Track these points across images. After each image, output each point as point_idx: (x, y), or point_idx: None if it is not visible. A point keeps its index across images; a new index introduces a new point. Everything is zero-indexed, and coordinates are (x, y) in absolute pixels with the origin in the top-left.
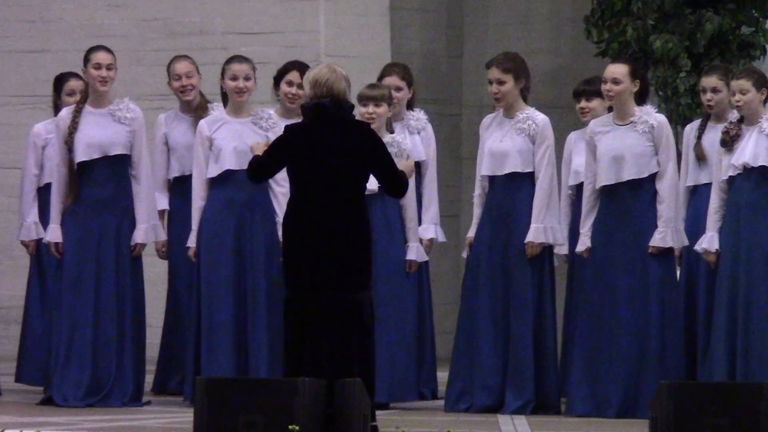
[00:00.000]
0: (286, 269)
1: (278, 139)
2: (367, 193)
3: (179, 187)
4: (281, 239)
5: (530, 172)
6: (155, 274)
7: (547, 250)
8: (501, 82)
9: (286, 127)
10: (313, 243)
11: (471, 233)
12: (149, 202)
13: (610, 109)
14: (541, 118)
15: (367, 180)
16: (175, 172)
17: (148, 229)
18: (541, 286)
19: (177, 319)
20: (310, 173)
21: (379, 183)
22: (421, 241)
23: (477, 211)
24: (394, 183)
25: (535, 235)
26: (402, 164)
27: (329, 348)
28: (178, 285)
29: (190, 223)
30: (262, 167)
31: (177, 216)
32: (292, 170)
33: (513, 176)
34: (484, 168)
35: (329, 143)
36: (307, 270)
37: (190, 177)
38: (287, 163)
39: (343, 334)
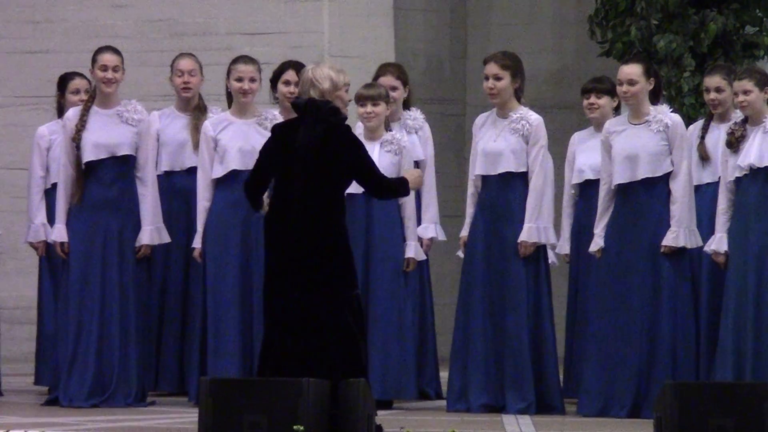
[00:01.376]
0: (266, 267)
1: (263, 146)
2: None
3: (166, 182)
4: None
5: (524, 172)
6: None
7: (542, 249)
8: (498, 78)
9: (272, 128)
10: (289, 242)
11: (464, 232)
12: (155, 204)
13: (617, 108)
14: (534, 117)
15: (344, 183)
16: (164, 167)
17: (153, 231)
18: (537, 286)
19: (172, 316)
20: (285, 171)
21: (361, 185)
22: (421, 240)
23: (470, 211)
24: (374, 188)
25: (527, 234)
26: (408, 173)
27: (311, 347)
28: (162, 279)
29: (175, 217)
30: (250, 183)
31: (162, 210)
32: (272, 167)
33: (506, 176)
34: (478, 167)
35: (301, 144)
36: (284, 269)
37: (178, 173)
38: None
39: (325, 333)
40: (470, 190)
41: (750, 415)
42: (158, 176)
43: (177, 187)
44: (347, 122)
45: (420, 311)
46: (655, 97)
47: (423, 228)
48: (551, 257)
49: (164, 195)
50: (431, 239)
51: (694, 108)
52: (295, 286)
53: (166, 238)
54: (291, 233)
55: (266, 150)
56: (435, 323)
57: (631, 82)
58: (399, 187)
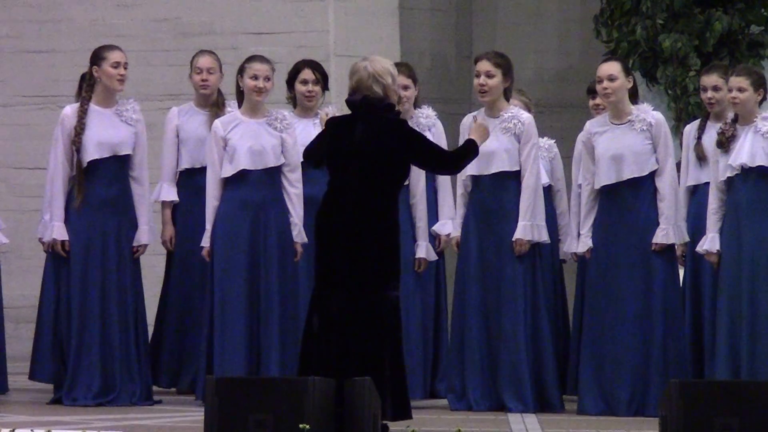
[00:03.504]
0: (316, 264)
1: (321, 132)
2: None
3: (188, 180)
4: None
5: (517, 171)
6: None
7: (536, 247)
8: (490, 75)
9: (326, 122)
10: (336, 239)
11: (456, 233)
12: (150, 203)
13: None
14: (526, 116)
15: (398, 180)
16: (185, 164)
17: (149, 230)
18: (533, 284)
19: (180, 313)
20: (338, 169)
21: (427, 170)
22: (438, 237)
23: (461, 211)
24: (441, 164)
25: (522, 232)
26: (472, 130)
27: (346, 346)
28: (182, 278)
29: (197, 215)
30: (309, 153)
31: (184, 208)
32: (327, 164)
33: (500, 175)
34: (470, 167)
35: (358, 141)
36: (330, 266)
37: (199, 170)
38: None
39: (360, 333)
40: (460, 190)
41: (755, 414)
42: (180, 173)
43: (197, 185)
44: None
45: (435, 309)
46: (633, 98)
47: (440, 224)
48: (564, 255)
49: (184, 192)
50: (448, 235)
51: (700, 107)
52: (343, 281)
53: (155, 237)
54: (345, 229)
55: (323, 138)
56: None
57: (611, 78)
58: (469, 151)
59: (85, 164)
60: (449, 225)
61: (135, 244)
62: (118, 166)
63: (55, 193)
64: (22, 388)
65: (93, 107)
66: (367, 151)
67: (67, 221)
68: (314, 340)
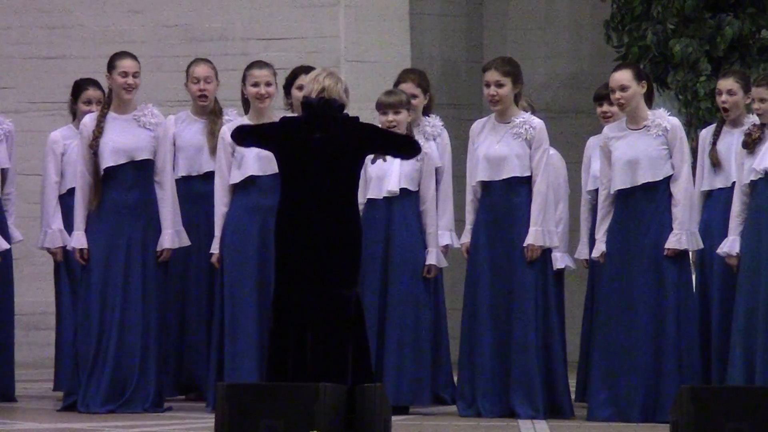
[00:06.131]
0: (276, 267)
1: (272, 124)
2: (388, 195)
3: (184, 187)
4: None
5: (528, 177)
6: None
7: (547, 253)
8: (500, 85)
9: (282, 118)
10: (301, 242)
11: (466, 239)
12: (174, 207)
13: None
14: (537, 122)
15: (357, 178)
16: (181, 172)
17: (173, 234)
18: (545, 290)
19: (180, 321)
20: (298, 171)
21: (388, 154)
22: None
23: (470, 218)
24: (400, 146)
25: (534, 238)
26: None
27: (317, 346)
28: (181, 286)
29: (194, 222)
30: (246, 133)
31: (181, 215)
32: (280, 167)
33: (511, 181)
34: (481, 173)
35: (317, 142)
36: (295, 268)
37: (195, 177)
38: (274, 154)
39: (330, 330)
40: (469, 197)
41: (766, 420)
42: (177, 180)
43: (194, 192)
44: None
45: (434, 316)
46: (649, 100)
47: (438, 235)
48: (568, 262)
49: (182, 200)
50: (446, 246)
51: (710, 112)
52: (308, 282)
53: (186, 241)
54: (311, 232)
55: (273, 132)
56: (450, 328)
57: (623, 88)
58: (410, 139)
59: (102, 171)
60: (447, 236)
61: (159, 248)
62: (137, 172)
63: (77, 202)
64: (35, 396)
65: (111, 114)
66: (328, 152)
67: (86, 228)
68: (278, 344)
